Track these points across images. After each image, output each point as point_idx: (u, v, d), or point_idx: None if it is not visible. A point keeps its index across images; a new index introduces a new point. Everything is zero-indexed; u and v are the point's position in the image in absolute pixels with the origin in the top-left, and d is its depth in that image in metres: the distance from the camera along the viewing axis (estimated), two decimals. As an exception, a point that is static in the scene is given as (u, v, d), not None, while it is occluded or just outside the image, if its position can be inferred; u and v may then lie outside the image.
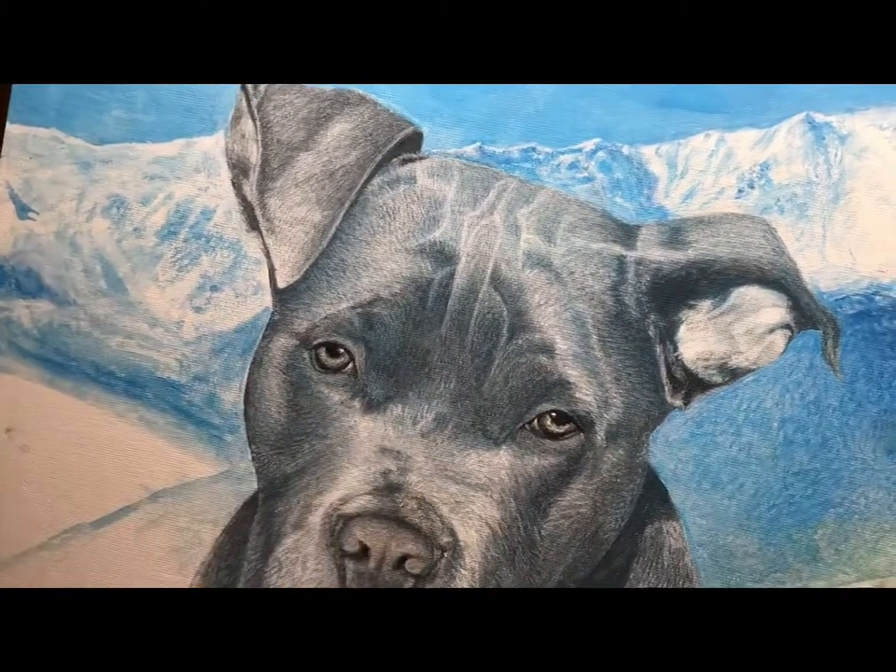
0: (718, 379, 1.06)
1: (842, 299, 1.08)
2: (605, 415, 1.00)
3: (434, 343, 0.99)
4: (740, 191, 1.10)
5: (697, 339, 1.05)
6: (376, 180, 1.06)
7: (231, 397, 1.16)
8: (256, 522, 1.02)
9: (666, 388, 1.05)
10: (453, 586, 0.94)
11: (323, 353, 1.01)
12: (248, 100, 1.09)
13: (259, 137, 1.07)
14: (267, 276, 1.13)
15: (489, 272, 1.01)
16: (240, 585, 1.00)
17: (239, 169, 1.12)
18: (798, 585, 1.07)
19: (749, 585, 1.06)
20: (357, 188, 1.04)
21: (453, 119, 1.13)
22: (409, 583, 0.93)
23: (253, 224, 1.11)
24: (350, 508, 0.94)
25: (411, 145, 1.09)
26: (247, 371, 1.08)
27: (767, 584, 1.07)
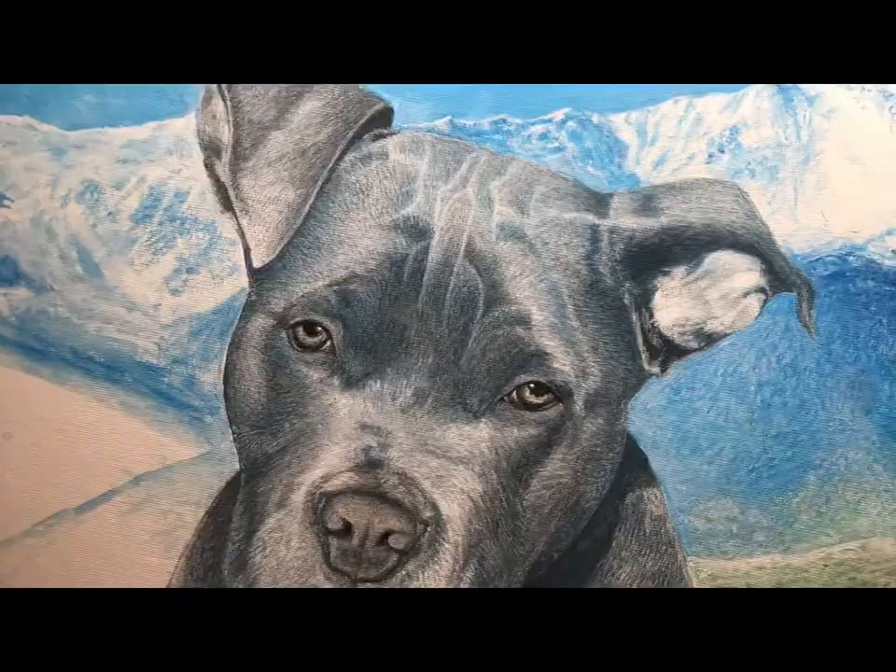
0: (694, 344, 1.07)
1: (815, 260, 1.08)
2: (583, 385, 1.01)
3: (411, 318, 0.99)
4: (710, 156, 1.10)
5: (672, 305, 1.06)
6: (348, 157, 1.06)
7: (211, 378, 1.16)
8: (238, 502, 1.02)
9: (643, 356, 1.06)
10: (436, 561, 0.94)
11: (300, 331, 1.01)
12: (218, 80, 1.09)
13: (230, 117, 1.06)
14: (242, 257, 1.13)
15: (463, 245, 1.01)
16: (224, 566, 0.99)
17: (211, 150, 1.12)
18: (780, 549, 1.07)
19: (731, 550, 1.07)
20: (330, 165, 1.04)
21: (422, 93, 1.12)
22: (393, 559, 0.93)
23: (227, 205, 1.10)
24: (332, 485, 0.94)
25: (381, 120, 1.09)
26: (226, 352, 1.08)
27: (748, 549, 1.07)
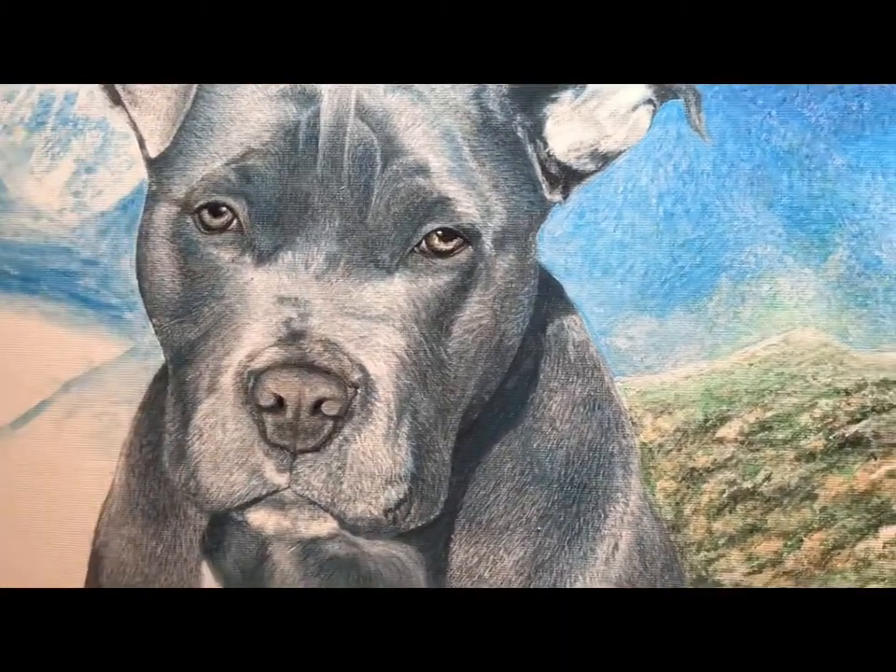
0: (591, 167, 1.07)
1: (696, 63, 1.07)
2: (489, 224, 1.01)
3: (312, 185, 0.99)
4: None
5: (565, 131, 1.06)
6: (227, 33, 1.05)
7: (124, 275, 1.16)
8: (169, 393, 1.03)
9: (544, 185, 1.06)
10: (370, 421, 0.95)
11: (206, 214, 1.01)
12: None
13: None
14: (138, 149, 1.12)
15: (353, 103, 1.00)
16: (164, 459, 1.00)
17: (93, 48, 1.11)
18: (703, 356, 1.08)
19: (655, 364, 1.08)
20: (211, 43, 1.04)
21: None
22: (328, 426, 0.94)
23: (116, 99, 1.09)
24: (259, 363, 0.95)
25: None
26: (135, 246, 1.08)
27: (672, 360, 1.08)
